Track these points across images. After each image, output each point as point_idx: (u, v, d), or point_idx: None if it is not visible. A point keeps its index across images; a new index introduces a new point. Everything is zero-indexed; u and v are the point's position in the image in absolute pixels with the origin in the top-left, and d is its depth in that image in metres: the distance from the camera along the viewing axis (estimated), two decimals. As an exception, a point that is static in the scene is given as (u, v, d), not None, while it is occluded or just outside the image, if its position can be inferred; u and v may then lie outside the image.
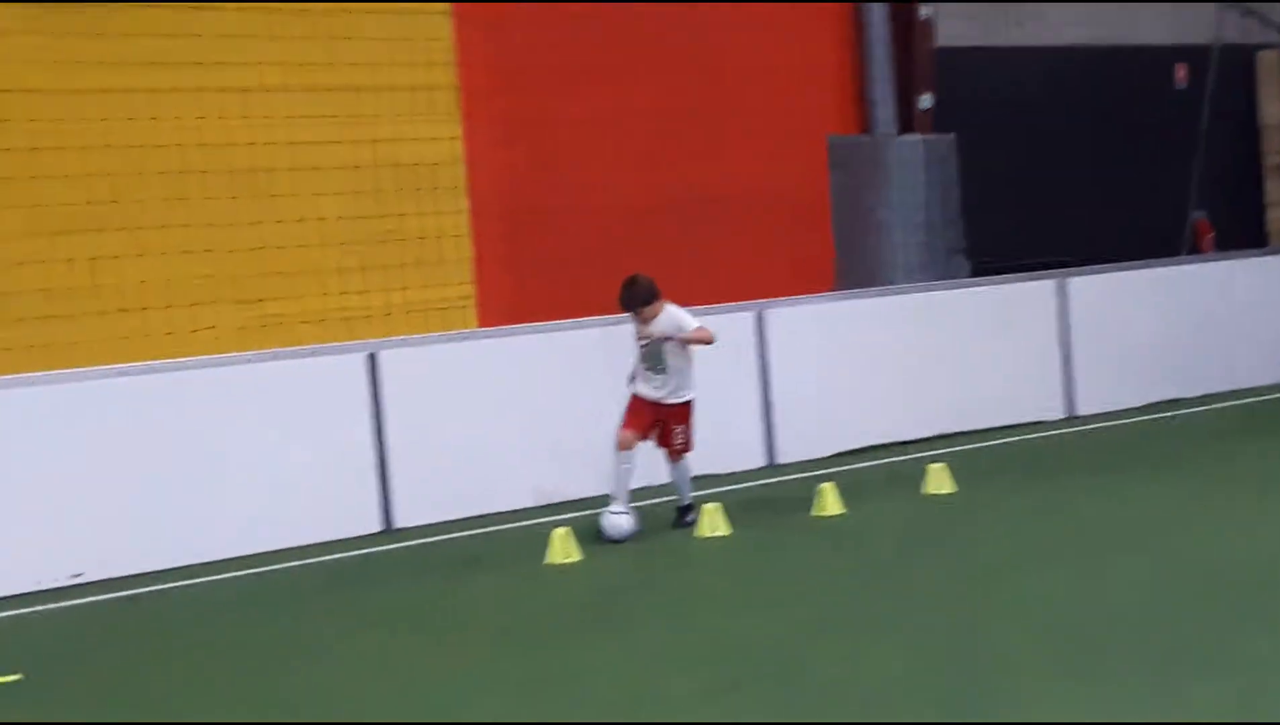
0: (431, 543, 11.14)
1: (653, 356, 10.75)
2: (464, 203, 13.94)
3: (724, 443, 12.72)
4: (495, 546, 10.96)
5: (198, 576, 10.48)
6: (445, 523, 11.58)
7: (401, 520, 11.59)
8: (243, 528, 10.95)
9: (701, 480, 11.66)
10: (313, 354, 11.66)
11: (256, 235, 12.93)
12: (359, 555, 10.92)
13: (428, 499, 11.64)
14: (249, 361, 11.42)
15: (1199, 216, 18.61)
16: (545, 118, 14.44)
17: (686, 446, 10.96)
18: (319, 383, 11.44)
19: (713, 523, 10.78)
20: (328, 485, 11.31)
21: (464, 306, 13.89)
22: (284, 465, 11.16)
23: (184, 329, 12.59)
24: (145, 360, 11.55)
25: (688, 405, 10.89)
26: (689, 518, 11.04)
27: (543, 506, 11.90)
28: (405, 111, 13.64)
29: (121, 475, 10.65)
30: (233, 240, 12.84)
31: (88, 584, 10.37)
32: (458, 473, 11.76)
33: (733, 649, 7.96)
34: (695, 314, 10.89)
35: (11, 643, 9.13)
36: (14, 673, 8.28)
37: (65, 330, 12.20)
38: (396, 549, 11.05)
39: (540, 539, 10.37)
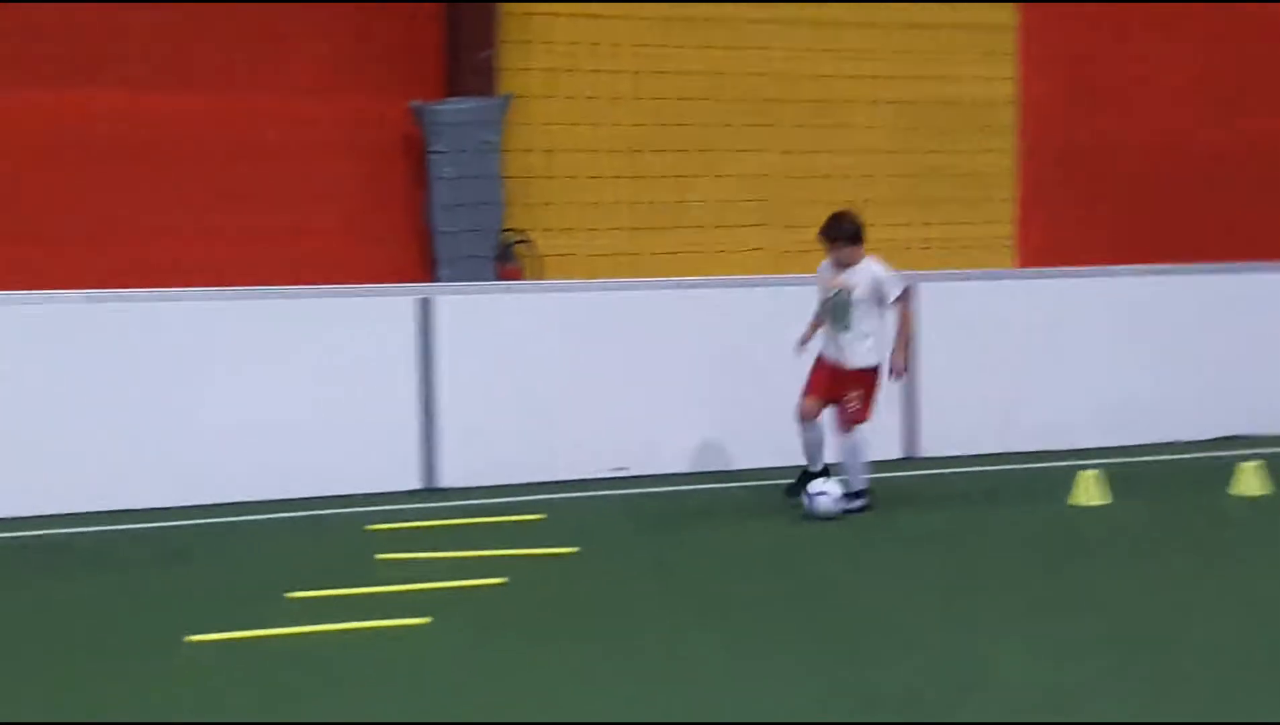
0: (951, 473, 11.35)
1: (839, 310, 9.72)
2: (1013, 143, 14.02)
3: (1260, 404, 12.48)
4: (1018, 482, 11.13)
5: (731, 482, 11.06)
6: (966, 456, 11.79)
7: (926, 449, 11.89)
8: (768, 441, 11.40)
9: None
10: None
11: (809, 164, 13.44)
12: (881, 478, 11.25)
13: (953, 429, 11.88)
14: (784, 284, 11.86)
15: None
16: (1102, 57, 14.30)
17: (859, 415, 9.71)
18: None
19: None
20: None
21: (1004, 246, 14.01)
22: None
23: (737, 248, 13.24)
24: (701, 275, 12.29)
25: (871, 372, 9.76)
26: (855, 504, 9.81)
27: (1069, 450, 11.94)
28: (964, 50, 13.83)
29: (665, 378, 11.30)
30: (789, 167, 13.40)
31: (630, 477, 11.11)
32: (982, 406, 11.96)
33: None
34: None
35: (570, 522, 9.93)
36: (573, 546, 9.11)
37: (651, 241, 13.07)
38: (919, 476, 11.35)
39: (1063, 480, 10.49)
